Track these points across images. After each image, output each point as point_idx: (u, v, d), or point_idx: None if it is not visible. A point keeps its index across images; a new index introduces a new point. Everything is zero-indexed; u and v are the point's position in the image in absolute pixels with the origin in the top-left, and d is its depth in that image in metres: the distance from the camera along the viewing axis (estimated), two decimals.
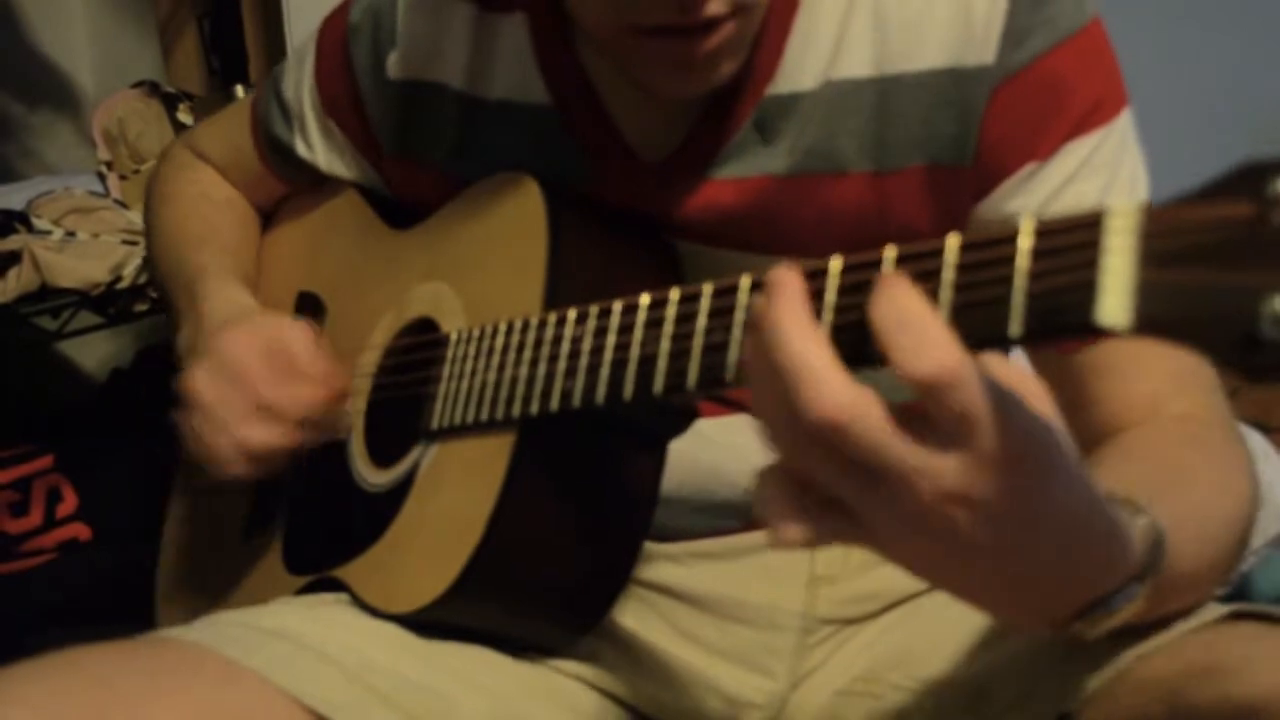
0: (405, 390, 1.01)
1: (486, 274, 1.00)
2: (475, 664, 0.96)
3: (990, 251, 0.59)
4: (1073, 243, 0.56)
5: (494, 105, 1.04)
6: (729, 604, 1.03)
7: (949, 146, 0.92)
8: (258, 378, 0.99)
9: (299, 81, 1.17)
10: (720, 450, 0.98)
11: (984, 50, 0.90)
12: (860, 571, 1.04)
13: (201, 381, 1.00)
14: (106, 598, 1.52)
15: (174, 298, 1.18)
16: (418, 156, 1.08)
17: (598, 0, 0.86)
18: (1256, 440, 1.63)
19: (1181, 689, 0.77)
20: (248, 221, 1.27)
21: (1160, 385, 0.89)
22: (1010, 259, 0.58)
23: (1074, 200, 0.91)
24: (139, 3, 2.25)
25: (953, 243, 0.61)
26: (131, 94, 1.99)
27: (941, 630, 0.95)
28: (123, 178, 1.92)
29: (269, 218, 1.29)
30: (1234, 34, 2.22)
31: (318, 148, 1.17)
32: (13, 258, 1.62)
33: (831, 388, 0.57)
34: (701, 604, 1.03)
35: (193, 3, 2.19)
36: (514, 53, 1.02)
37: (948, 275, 0.60)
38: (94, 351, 1.95)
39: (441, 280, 1.03)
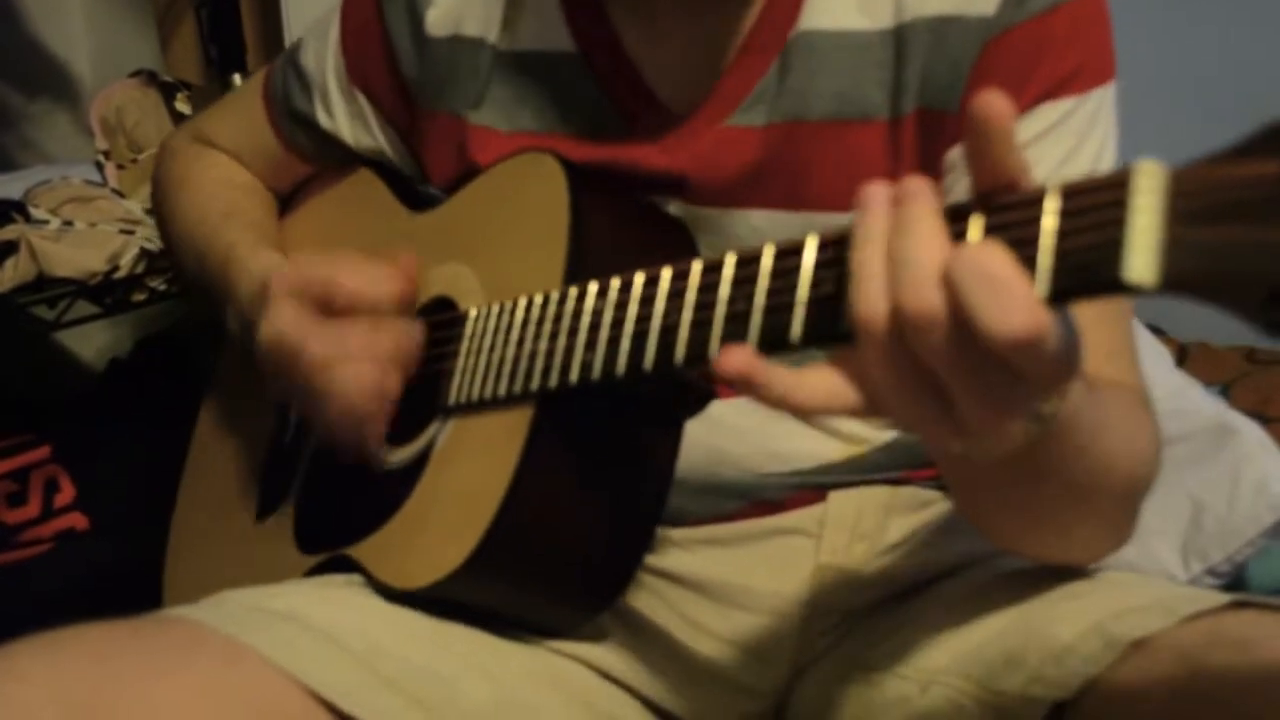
0: (421, 369, 1.01)
1: (505, 252, 1.00)
2: (482, 649, 0.96)
3: (1017, 213, 0.60)
4: (1100, 202, 0.57)
5: (524, 56, 1.06)
6: (733, 590, 1.03)
7: (941, 92, 0.94)
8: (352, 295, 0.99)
9: (321, 52, 1.18)
10: (727, 433, 0.98)
11: (986, 3, 0.92)
12: (864, 562, 1.04)
13: (293, 324, 0.99)
14: (105, 588, 1.52)
15: (207, 279, 1.17)
16: (455, 110, 1.09)
17: None
18: (1255, 430, 1.63)
19: (1190, 656, 0.78)
20: (268, 203, 1.27)
21: (1093, 357, 0.92)
22: (1037, 220, 0.59)
23: (1036, 161, 0.92)
24: None
25: (979, 205, 0.62)
26: (129, 83, 1.99)
27: (943, 620, 0.95)
28: (120, 167, 1.91)
29: (285, 203, 1.29)
30: (1232, 14, 2.22)
31: (340, 116, 1.18)
32: (10, 247, 1.61)
33: (1030, 299, 0.59)
34: (705, 590, 1.03)
35: None
36: (542, 3, 1.05)
37: (974, 235, 0.62)
38: (92, 341, 1.94)
39: (460, 261, 1.04)
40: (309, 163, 1.25)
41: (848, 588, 1.03)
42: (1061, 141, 0.94)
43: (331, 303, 0.99)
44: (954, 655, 0.92)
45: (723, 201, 0.99)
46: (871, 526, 1.03)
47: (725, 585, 1.03)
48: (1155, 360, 1.76)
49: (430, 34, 1.09)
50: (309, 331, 0.98)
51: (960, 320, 0.60)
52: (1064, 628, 0.86)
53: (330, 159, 1.23)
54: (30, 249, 1.61)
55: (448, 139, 1.10)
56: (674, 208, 1.02)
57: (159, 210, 1.33)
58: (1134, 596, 0.88)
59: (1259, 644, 0.77)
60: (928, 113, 0.95)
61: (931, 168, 0.96)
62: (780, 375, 0.66)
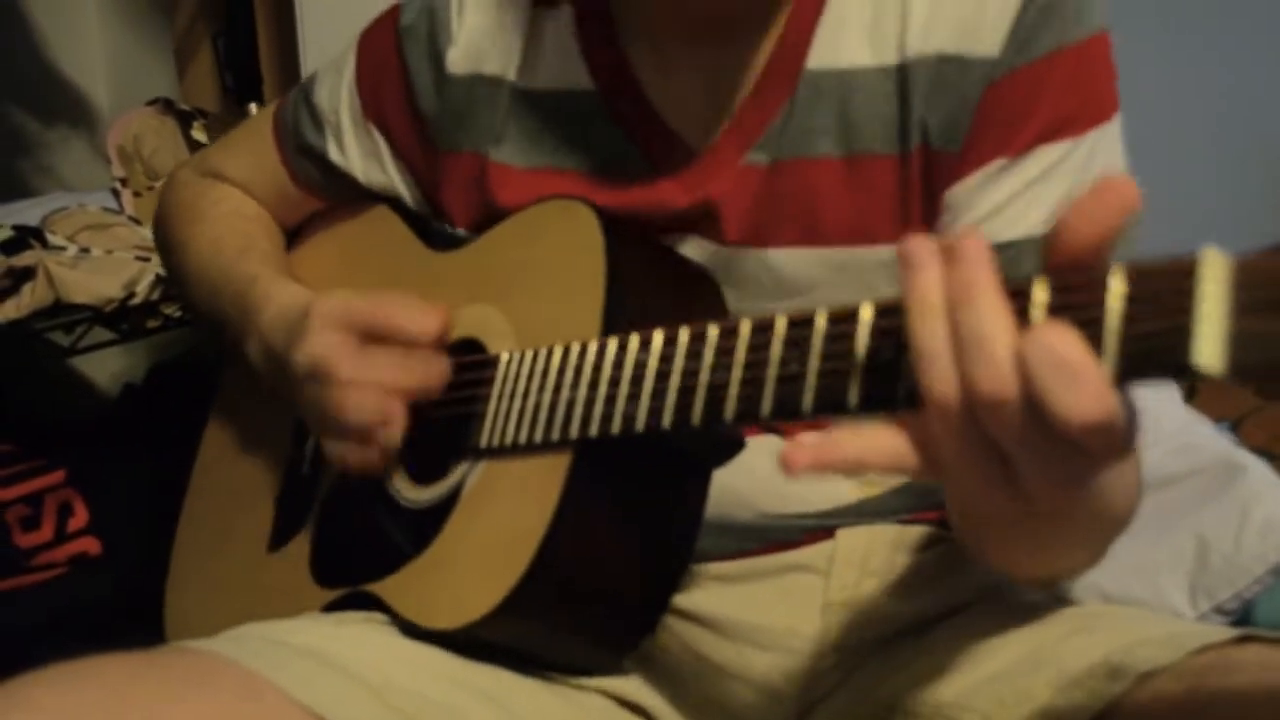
0: (448, 409, 1.01)
1: (538, 298, 1.00)
2: (500, 685, 0.96)
3: (1082, 294, 0.61)
4: (1166, 288, 0.58)
5: (543, 93, 1.07)
6: (743, 627, 1.03)
7: (944, 131, 0.95)
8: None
9: (335, 88, 1.18)
10: (741, 473, 0.99)
11: (991, 44, 0.93)
12: (873, 596, 1.04)
13: (334, 348, 1.00)
14: (117, 612, 1.53)
15: (222, 310, 1.17)
16: (474, 147, 1.10)
17: None
18: (1262, 468, 1.63)
19: (1198, 689, 0.79)
20: (279, 236, 1.28)
21: None
22: (1101, 301, 0.60)
23: (1033, 202, 0.94)
24: (154, 20, 2.27)
25: (1041, 285, 0.62)
26: (146, 111, 2.00)
27: (953, 654, 0.96)
28: (137, 194, 1.92)
29: (295, 237, 1.29)
30: (1240, 47, 2.23)
31: (352, 152, 1.18)
32: (27, 273, 1.63)
33: (1102, 386, 0.59)
34: (716, 626, 1.04)
35: (208, 21, 2.21)
36: (560, 42, 1.06)
37: (1037, 312, 0.62)
38: (106, 367, 1.95)
39: (489, 304, 1.04)
40: (318, 198, 1.25)
41: (857, 623, 1.04)
42: (1059, 183, 0.94)
43: (374, 334, 1.00)
44: (963, 689, 0.93)
45: (741, 239, 1.00)
46: (881, 563, 1.04)
47: (735, 621, 1.03)
48: (1163, 395, 1.75)
49: (451, 72, 1.09)
50: (344, 355, 0.99)
51: (1031, 402, 0.60)
52: (1073, 660, 0.87)
53: (339, 195, 1.23)
54: (47, 275, 1.62)
55: (466, 176, 1.10)
56: (692, 246, 1.02)
57: (163, 239, 1.33)
58: (1143, 630, 0.88)
59: (1266, 676, 0.77)
60: (931, 151, 0.96)
61: (935, 204, 0.97)
62: (850, 445, 0.67)
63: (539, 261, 1.01)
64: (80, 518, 1.66)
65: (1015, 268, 0.93)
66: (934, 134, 0.96)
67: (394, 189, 1.18)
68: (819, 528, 1.03)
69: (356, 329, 1.00)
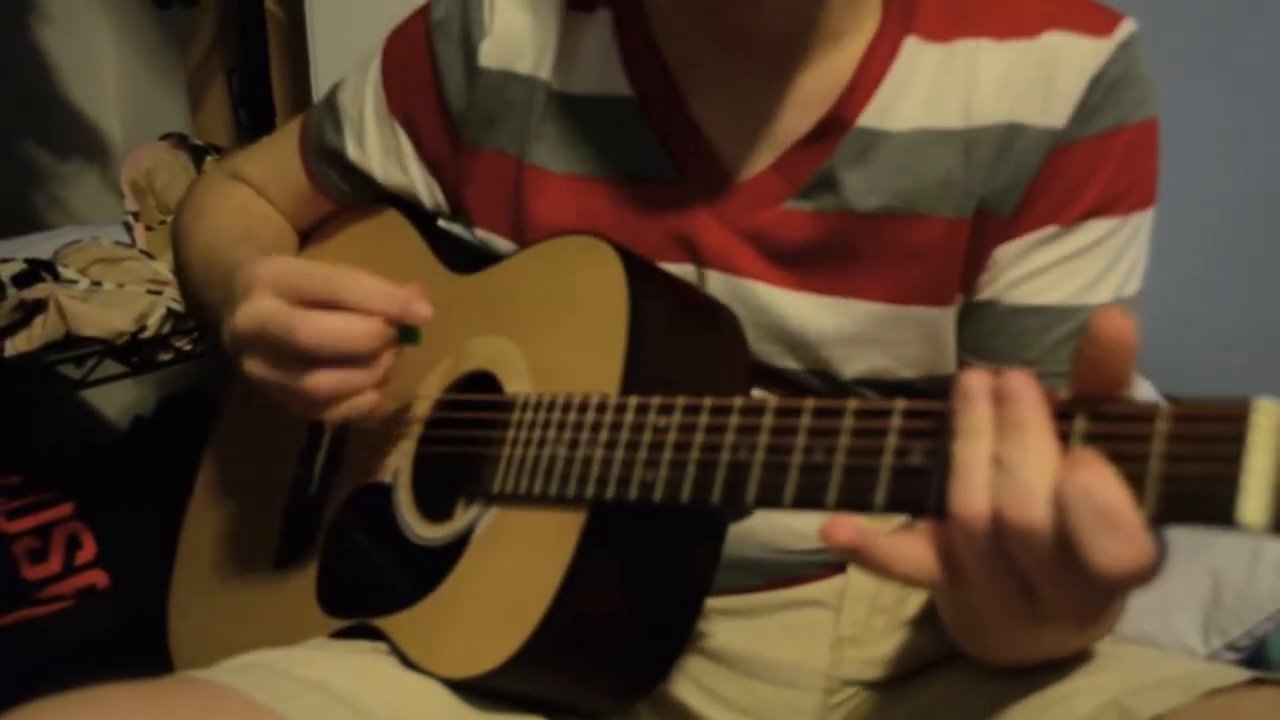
0: (460, 446, 0.99)
1: (557, 338, 0.98)
2: None
3: (1126, 426, 0.60)
4: (1214, 433, 0.57)
5: (578, 98, 1.05)
6: (753, 662, 1.03)
7: (999, 196, 0.96)
8: (299, 321, 0.91)
9: (360, 86, 1.17)
10: None
11: (1056, 116, 0.94)
12: (884, 634, 1.04)
13: (273, 312, 0.92)
14: (124, 646, 1.52)
15: (210, 299, 1.13)
16: (503, 147, 1.08)
17: None
18: None
19: None
20: (283, 233, 1.25)
21: None
22: (1146, 438, 0.59)
23: (1072, 273, 0.96)
24: (168, 55, 2.28)
25: (1085, 409, 0.62)
26: (159, 146, 2.01)
27: (961, 694, 0.95)
28: (149, 229, 1.93)
29: (308, 245, 1.27)
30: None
31: (372, 150, 1.16)
32: (39, 306, 1.63)
33: (1139, 535, 0.59)
34: (725, 661, 1.03)
35: (222, 56, 2.22)
36: (598, 47, 1.05)
37: (1079, 443, 0.62)
38: (116, 399, 1.96)
39: (505, 336, 1.02)
40: (333, 201, 1.23)
41: (867, 660, 1.03)
42: (1099, 259, 0.96)
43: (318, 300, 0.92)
44: None
45: (767, 279, 1.00)
46: (891, 600, 1.03)
47: (745, 656, 1.03)
48: None
49: (483, 65, 1.08)
50: (297, 315, 0.91)
51: (1064, 540, 0.60)
52: (1081, 703, 0.86)
53: (355, 198, 1.22)
54: (59, 308, 1.62)
55: (494, 177, 1.09)
56: (716, 279, 1.02)
57: (176, 242, 1.30)
58: (1152, 672, 0.88)
59: None
60: (984, 214, 0.96)
61: (977, 264, 0.97)
62: (884, 547, 0.67)
63: (560, 300, 0.99)
64: (88, 550, 1.66)
65: (1044, 333, 0.95)
66: (990, 199, 0.96)
67: (412, 190, 1.16)
68: (830, 563, 1.03)
69: (300, 298, 0.92)
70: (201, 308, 1.20)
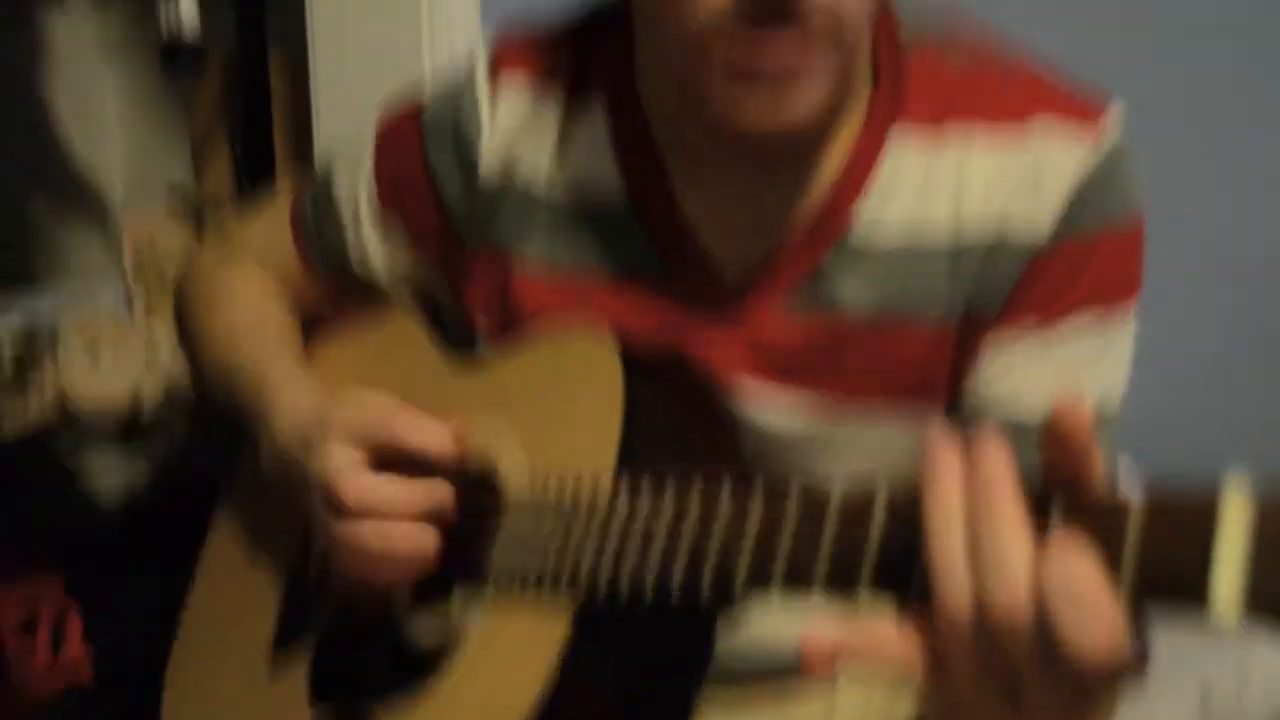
0: (456, 531, 0.99)
1: (553, 426, 0.98)
2: None
3: (1100, 518, 0.61)
4: (1188, 522, 0.58)
5: (571, 195, 1.04)
6: None
7: (985, 299, 0.96)
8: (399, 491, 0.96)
9: (353, 181, 1.15)
10: None
11: (1042, 220, 0.94)
12: (882, 714, 1.04)
13: (340, 463, 0.96)
14: None
15: (236, 400, 1.14)
16: (498, 245, 1.08)
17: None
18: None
19: None
20: (296, 324, 1.24)
21: None
22: (1120, 527, 0.60)
23: (1053, 363, 0.96)
24: (172, 117, 2.29)
25: (1059, 497, 0.62)
26: (160, 211, 2.02)
27: None
28: (149, 295, 1.94)
29: (313, 330, 1.26)
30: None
31: (370, 243, 1.15)
32: (36, 379, 1.64)
33: (1116, 621, 0.58)
34: None
35: (225, 118, 2.22)
36: (593, 139, 1.04)
37: (1055, 531, 0.62)
38: (110, 474, 1.96)
39: (502, 421, 1.01)
40: (334, 287, 1.23)
41: None
42: (1082, 352, 0.97)
43: (388, 453, 0.97)
44: None
45: (756, 379, 1.00)
46: (884, 685, 1.03)
47: None
48: None
49: (482, 173, 1.07)
50: (353, 478, 0.96)
51: (1043, 623, 0.60)
52: None
53: (357, 288, 1.22)
54: (56, 381, 1.63)
55: (489, 273, 1.09)
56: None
57: (182, 326, 1.29)
58: None
59: None
60: (971, 316, 0.97)
61: (964, 360, 0.98)
62: (866, 633, 0.67)
63: (557, 388, 1.00)
64: (75, 629, 1.66)
65: (1025, 429, 0.95)
66: (977, 301, 0.97)
67: (413, 280, 1.16)
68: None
69: (370, 445, 0.97)
70: (223, 403, 1.19)
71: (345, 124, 1.90)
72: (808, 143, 0.97)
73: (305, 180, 1.26)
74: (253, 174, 2.16)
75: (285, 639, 1.15)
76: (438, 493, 0.96)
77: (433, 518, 0.96)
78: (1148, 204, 0.98)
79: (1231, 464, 0.60)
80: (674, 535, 0.82)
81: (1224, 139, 2.07)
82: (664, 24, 0.89)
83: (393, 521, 0.95)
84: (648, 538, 0.84)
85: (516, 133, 1.06)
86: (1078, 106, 0.96)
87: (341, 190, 1.17)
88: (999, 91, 0.96)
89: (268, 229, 1.26)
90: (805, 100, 0.88)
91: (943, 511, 0.64)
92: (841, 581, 0.71)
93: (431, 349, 1.16)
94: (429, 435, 0.97)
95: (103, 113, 2.24)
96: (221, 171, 2.25)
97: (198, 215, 2.04)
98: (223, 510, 1.34)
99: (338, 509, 0.96)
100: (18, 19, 2.11)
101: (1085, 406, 0.62)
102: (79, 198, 2.22)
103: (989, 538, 0.62)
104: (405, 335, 1.19)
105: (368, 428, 0.97)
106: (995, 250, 0.95)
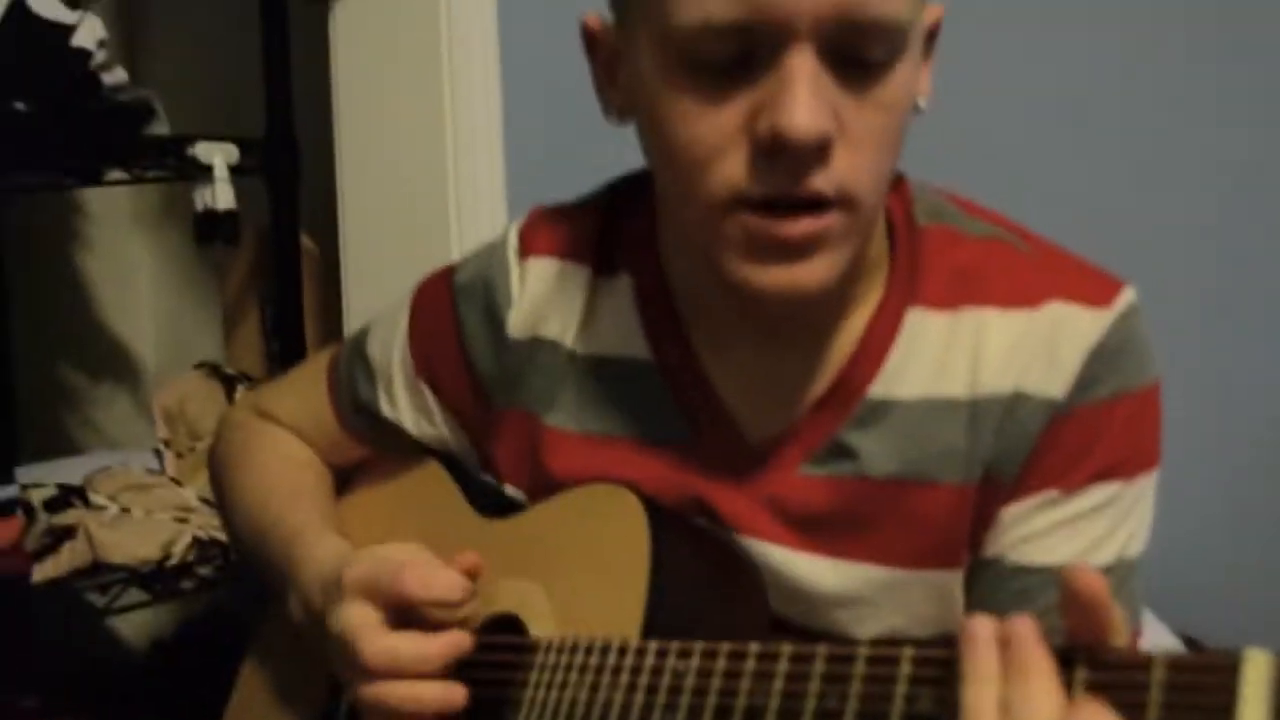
0: (483, 689, 1.00)
1: (581, 583, 0.99)
2: None
3: (1123, 675, 0.64)
4: (1207, 683, 0.60)
5: (599, 360, 1.07)
6: None
7: (1003, 462, 0.97)
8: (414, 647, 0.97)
9: (387, 344, 1.18)
10: None
11: (1058, 386, 0.96)
12: None
13: (358, 625, 0.97)
14: None
15: (267, 558, 1.16)
16: (527, 408, 1.09)
17: (699, 176, 0.89)
18: None
19: None
20: (328, 482, 1.26)
21: None
22: (1143, 687, 0.62)
23: (1074, 535, 0.97)
24: (204, 286, 2.34)
25: (1084, 658, 0.65)
26: (192, 374, 2.06)
27: None
28: (179, 455, 1.96)
29: (346, 485, 1.28)
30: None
31: (403, 408, 1.18)
32: (67, 533, 1.66)
33: None
34: None
35: (257, 289, 2.27)
36: (620, 312, 1.06)
37: (1080, 692, 0.65)
38: (137, 624, 1.96)
39: (531, 580, 1.03)
40: (368, 446, 1.25)
41: None
42: (1102, 521, 0.97)
43: (399, 609, 0.98)
44: None
45: (781, 541, 1.01)
46: None
47: None
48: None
49: (511, 335, 1.10)
50: (368, 635, 0.97)
51: None
52: None
53: (390, 445, 1.23)
54: (87, 535, 1.65)
55: (518, 436, 1.10)
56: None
57: (217, 483, 1.32)
58: None
59: None
60: (990, 479, 0.98)
61: (984, 525, 0.99)
62: None
63: (585, 545, 1.01)
64: None
65: (1046, 591, 0.96)
66: (995, 464, 0.98)
67: (444, 441, 1.18)
68: None
69: (385, 602, 0.98)
70: (254, 559, 1.21)
71: (375, 294, 1.94)
72: (825, 312, 0.99)
73: (342, 340, 1.28)
74: (283, 344, 2.21)
75: None
76: (459, 643, 0.97)
77: (457, 668, 0.97)
78: (1163, 370, 0.99)
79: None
80: (700, 690, 0.83)
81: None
82: (683, 197, 0.92)
83: (416, 681, 0.96)
84: (675, 691, 0.85)
85: (544, 303, 1.09)
86: (1091, 290, 0.97)
87: (376, 352, 1.20)
88: (1012, 276, 0.99)
89: (303, 386, 1.28)
90: (821, 269, 0.90)
91: (976, 668, 0.67)
92: None
93: (460, 497, 1.17)
94: (438, 587, 0.97)
95: (137, 285, 2.30)
96: (252, 341, 2.29)
97: (228, 384, 2.07)
98: (250, 660, 1.34)
99: (360, 670, 0.96)
100: (54, 188, 2.17)
101: (1101, 581, 0.65)
102: (111, 367, 2.26)
103: (1019, 693, 0.65)
104: (434, 483, 1.20)
105: (380, 584, 0.98)
106: (1012, 409, 0.96)
